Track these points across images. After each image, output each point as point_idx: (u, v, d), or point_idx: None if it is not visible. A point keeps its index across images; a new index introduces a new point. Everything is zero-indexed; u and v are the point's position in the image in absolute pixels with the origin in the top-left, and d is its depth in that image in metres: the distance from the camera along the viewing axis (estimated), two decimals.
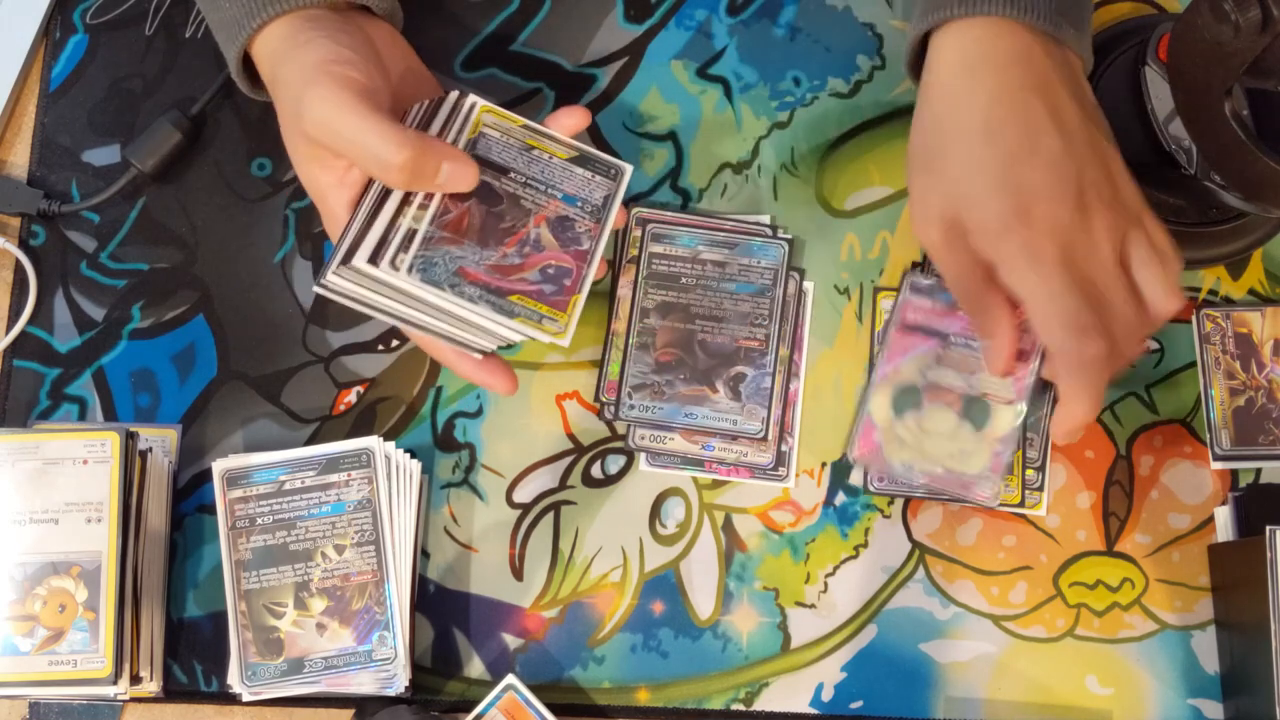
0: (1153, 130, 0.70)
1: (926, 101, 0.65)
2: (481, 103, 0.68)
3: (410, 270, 0.62)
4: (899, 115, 0.77)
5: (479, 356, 0.66)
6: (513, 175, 0.66)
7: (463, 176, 0.63)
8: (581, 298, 0.65)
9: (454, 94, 0.68)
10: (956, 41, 0.64)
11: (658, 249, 0.73)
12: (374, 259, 0.62)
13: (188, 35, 0.79)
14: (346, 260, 0.62)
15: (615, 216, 0.68)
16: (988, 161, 0.62)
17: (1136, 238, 0.62)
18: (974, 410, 0.70)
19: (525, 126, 0.68)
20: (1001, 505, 0.72)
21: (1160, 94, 0.69)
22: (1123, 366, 0.62)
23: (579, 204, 0.67)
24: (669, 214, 0.75)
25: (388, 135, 0.60)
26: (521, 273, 0.65)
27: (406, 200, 0.63)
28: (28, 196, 0.76)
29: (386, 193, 0.64)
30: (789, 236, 0.74)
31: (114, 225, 0.77)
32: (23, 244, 0.76)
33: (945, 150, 0.63)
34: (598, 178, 0.68)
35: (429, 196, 0.64)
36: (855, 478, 0.73)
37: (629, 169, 0.69)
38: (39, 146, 0.78)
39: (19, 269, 0.76)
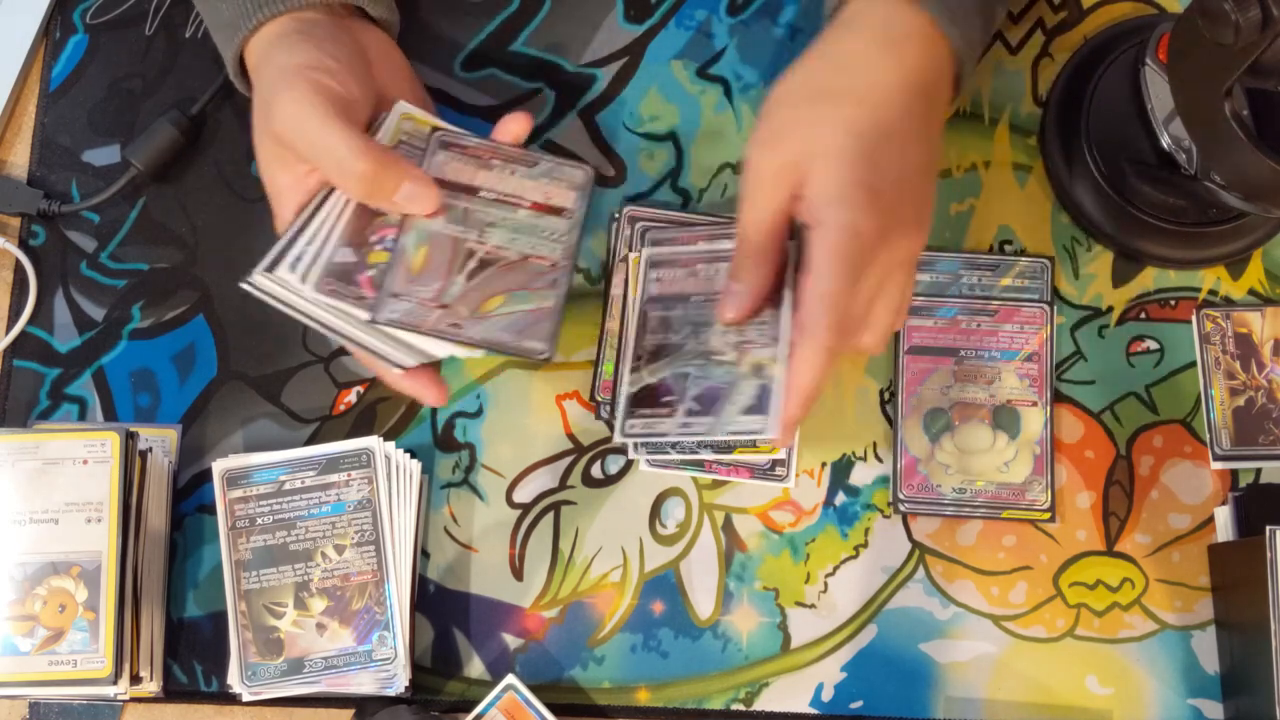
0: (1153, 130, 0.70)
1: (840, 43, 0.64)
2: (422, 118, 0.68)
3: (313, 276, 0.62)
4: None
5: (398, 371, 0.66)
6: (475, 194, 0.66)
7: (422, 199, 0.64)
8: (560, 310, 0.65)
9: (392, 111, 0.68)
10: (882, 11, 0.64)
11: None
12: (290, 267, 0.62)
13: (188, 35, 0.79)
14: (270, 266, 0.62)
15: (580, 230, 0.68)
16: (865, 141, 0.61)
17: (899, 281, 0.63)
18: (1004, 418, 0.71)
19: (482, 142, 0.68)
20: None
21: (1160, 94, 0.69)
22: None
23: (541, 233, 0.67)
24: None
25: (352, 144, 0.61)
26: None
27: (336, 207, 0.64)
28: (28, 196, 0.76)
29: (322, 204, 0.64)
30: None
31: (114, 225, 0.77)
32: (23, 244, 0.76)
33: (834, 103, 0.62)
34: (564, 183, 0.68)
35: (355, 215, 0.64)
36: (855, 478, 0.73)
37: (591, 172, 0.69)
38: (39, 146, 0.78)
39: (19, 269, 0.76)
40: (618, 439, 0.68)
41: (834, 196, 0.60)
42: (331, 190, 0.65)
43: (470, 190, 0.67)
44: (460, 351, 0.64)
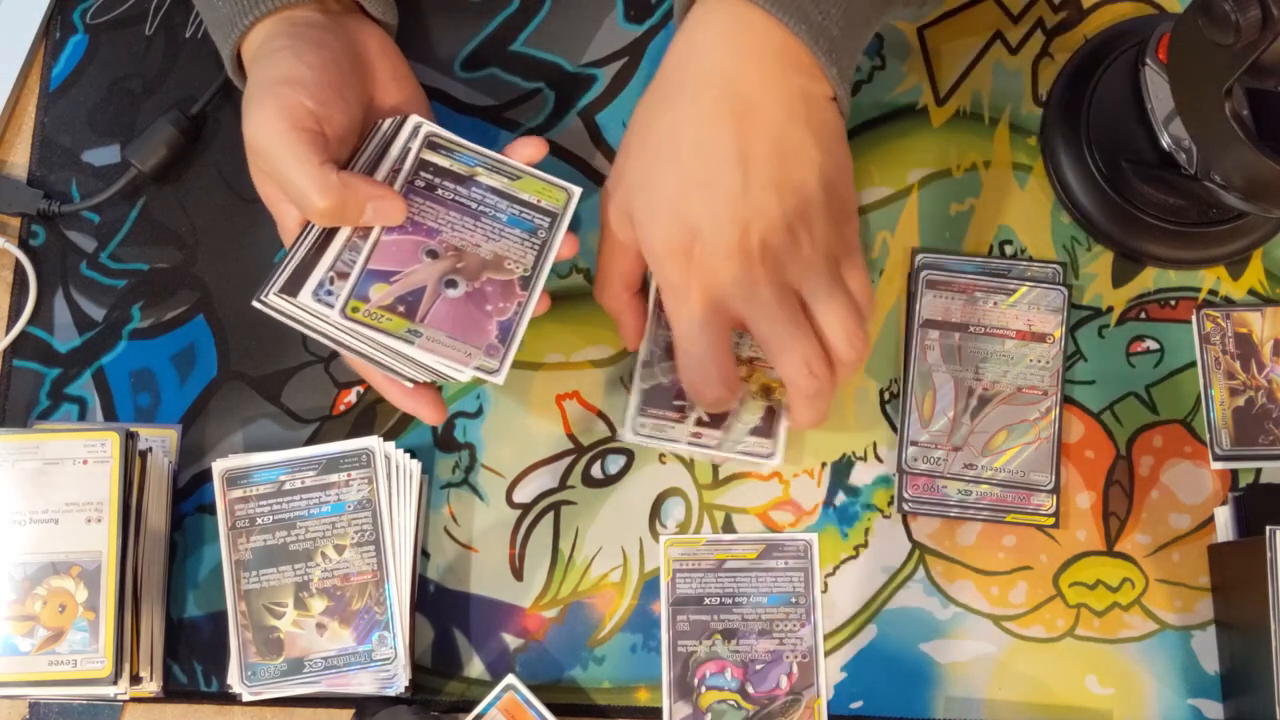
0: (1153, 130, 0.70)
1: (661, 78, 0.65)
2: (426, 127, 0.67)
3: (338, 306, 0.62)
4: (899, 115, 0.78)
5: (409, 385, 0.67)
6: (452, 203, 0.66)
7: (389, 212, 0.63)
8: (519, 335, 0.64)
9: (394, 119, 0.67)
10: (710, 20, 0.64)
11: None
12: (303, 290, 0.62)
13: (188, 35, 0.79)
14: (285, 289, 0.62)
15: (560, 246, 0.67)
16: (665, 185, 0.62)
17: (817, 284, 0.62)
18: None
19: (473, 151, 0.67)
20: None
21: (1160, 94, 0.69)
22: (813, 407, 0.64)
23: (523, 233, 0.67)
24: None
25: (313, 179, 0.61)
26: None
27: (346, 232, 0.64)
28: (28, 196, 0.76)
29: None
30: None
31: (114, 225, 0.77)
32: (23, 244, 0.76)
33: (641, 150, 0.64)
34: (544, 203, 0.67)
35: (367, 231, 0.64)
36: (855, 478, 0.73)
37: (577, 192, 0.68)
38: (39, 146, 0.78)
39: (19, 269, 0.76)
40: (627, 436, 0.69)
41: (638, 220, 0.63)
42: None
43: (442, 201, 0.66)
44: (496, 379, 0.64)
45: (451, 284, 0.64)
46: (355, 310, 0.62)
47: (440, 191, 0.66)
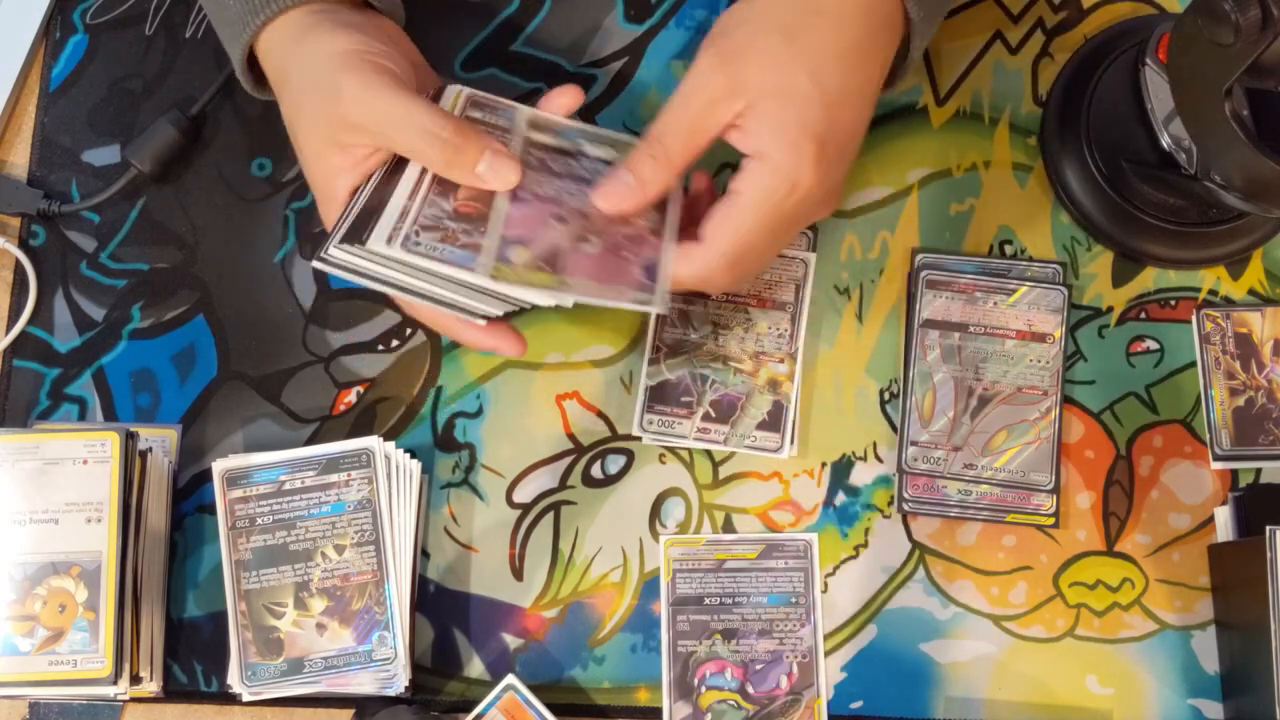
0: (1153, 130, 0.70)
1: None
2: (466, 90, 0.67)
3: (406, 244, 0.61)
4: (899, 115, 0.78)
5: (482, 323, 0.65)
6: (552, 166, 0.66)
7: (504, 171, 0.63)
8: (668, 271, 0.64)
9: (430, 91, 0.67)
10: None
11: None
12: (369, 237, 0.60)
13: (188, 35, 0.79)
14: (346, 239, 0.61)
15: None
16: (828, 95, 0.61)
17: (782, 244, 0.66)
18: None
19: (511, 107, 0.68)
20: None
21: (1160, 94, 0.69)
22: None
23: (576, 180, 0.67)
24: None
25: (433, 111, 0.61)
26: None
27: (411, 180, 0.63)
28: (28, 196, 0.76)
29: (389, 173, 0.63)
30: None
31: (114, 225, 0.77)
32: (23, 244, 0.76)
33: (803, 45, 0.61)
34: (591, 149, 0.68)
35: (435, 185, 0.63)
36: (855, 478, 0.73)
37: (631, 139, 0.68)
38: (39, 146, 0.78)
39: (19, 269, 0.76)
40: (635, 431, 0.69)
41: (787, 140, 0.60)
42: (398, 166, 0.64)
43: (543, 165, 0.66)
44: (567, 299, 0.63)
45: (584, 240, 0.64)
46: (499, 273, 0.61)
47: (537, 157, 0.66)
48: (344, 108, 0.62)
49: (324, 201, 0.66)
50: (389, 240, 0.60)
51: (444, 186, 0.63)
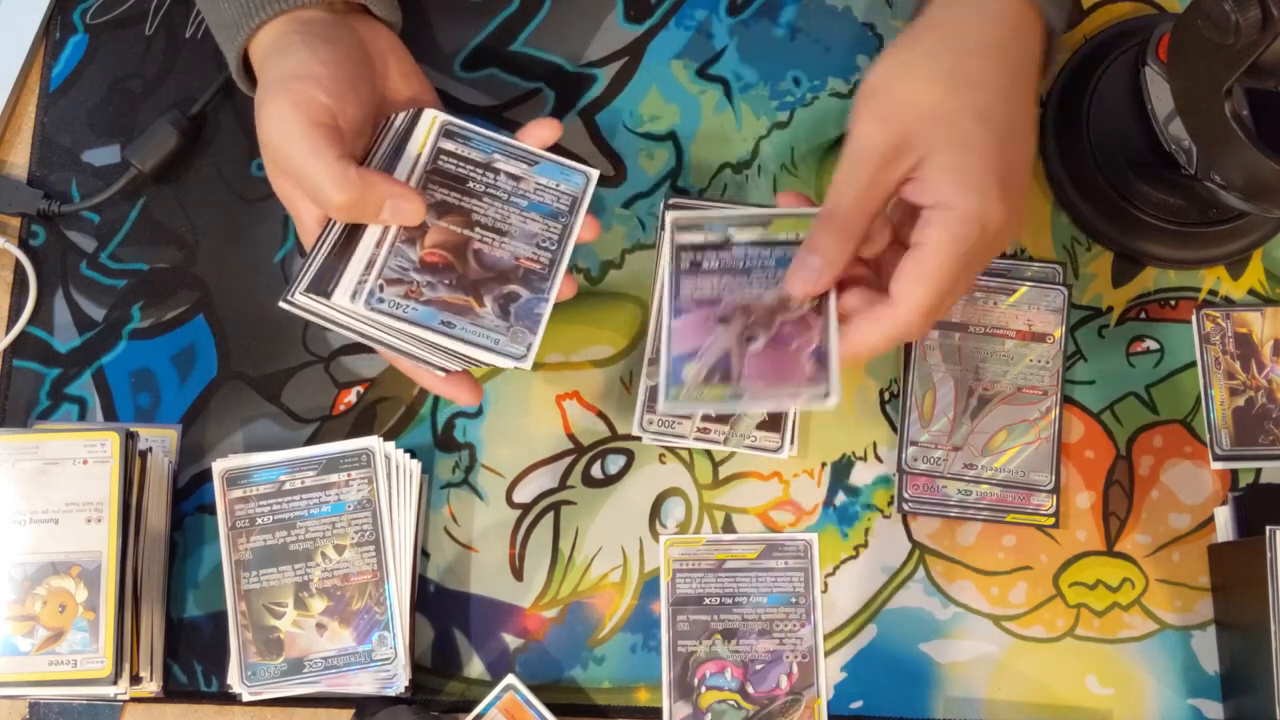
0: (1153, 130, 0.70)
1: (954, 23, 0.62)
2: (442, 117, 0.67)
3: (369, 300, 0.62)
4: None
5: (440, 374, 0.67)
6: (474, 191, 0.66)
7: (407, 212, 0.63)
8: (545, 318, 0.64)
9: (408, 113, 0.67)
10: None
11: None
12: (333, 290, 0.62)
13: (188, 35, 0.79)
14: (311, 287, 0.62)
15: (581, 228, 0.66)
16: (997, 131, 0.60)
17: (974, 276, 0.63)
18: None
19: (488, 139, 0.67)
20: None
21: (1160, 94, 0.69)
22: None
23: (544, 217, 0.66)
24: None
25: (331, 173, 0.60)
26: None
27: (378, 226, 0.64)
28: (28, 196, 0.76)
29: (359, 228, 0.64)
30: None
31: (114, 225, 0.77)
32: (23, 244, 0.76)
33: (963, 88, 0.60)
34: (563, 185, 0.67)
35: (402, 231, 0.64)
36: (855, 478, 0.73)
37: (594, 174, 0.68)
38: (39, 146, 0.78)
39: (19, 269, 0.76)
40: (636, 431, 0.69)
41: (969, 185, 0.59)
42: None
43: (465, 190, 0.66)
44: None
45: (751, 337, 0.63)
46: (673, 394, 0.61)
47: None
48: (260, 139, 0.63)
49: (297, 227, 0.67)
50: (353, 296, 0.62)
51: (411, 233, 0.64)
